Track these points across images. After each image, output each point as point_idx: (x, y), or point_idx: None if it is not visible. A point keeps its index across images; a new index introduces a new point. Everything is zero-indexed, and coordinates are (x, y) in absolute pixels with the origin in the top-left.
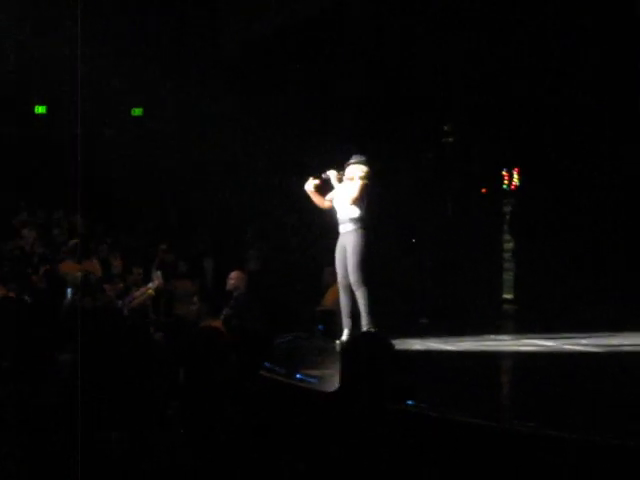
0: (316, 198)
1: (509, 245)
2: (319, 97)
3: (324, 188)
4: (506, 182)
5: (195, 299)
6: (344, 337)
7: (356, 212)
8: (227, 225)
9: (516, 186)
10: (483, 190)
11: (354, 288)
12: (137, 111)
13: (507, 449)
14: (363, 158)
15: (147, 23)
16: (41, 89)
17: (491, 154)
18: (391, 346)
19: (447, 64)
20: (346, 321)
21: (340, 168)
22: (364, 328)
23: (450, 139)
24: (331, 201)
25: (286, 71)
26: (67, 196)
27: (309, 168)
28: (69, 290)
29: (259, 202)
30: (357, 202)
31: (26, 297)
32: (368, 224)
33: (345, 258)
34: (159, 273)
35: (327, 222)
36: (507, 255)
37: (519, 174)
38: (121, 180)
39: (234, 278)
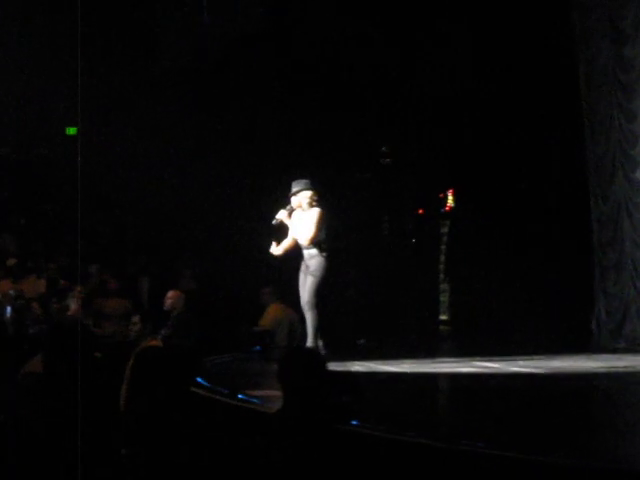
0: (288, 249)
1: (445, 266)
2: (256, 117)
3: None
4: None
5: (136, 319)
6: None
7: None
8: (161, 244)
9: (451, 207)
10: (420, 211)
11: (304, 309)
12: (72, 130)
13: (453, 468)
14: (304, 183)
15: (82, 37)
16: None
17: (428, 175)
18: (324, 361)
19: (386, 84)
20: (310, 342)
21: (285, 203)
22: None
23: (387, 160)
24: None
25: (223, 89)
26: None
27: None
28: (8, 308)
29: (195, 220)
30: (317, 235)
31: None
32: (328, 246)
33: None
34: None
35: (265, 244)
36: (444, 277)
37: (454, 195)
38: (55, 199)
39: (171, 297)
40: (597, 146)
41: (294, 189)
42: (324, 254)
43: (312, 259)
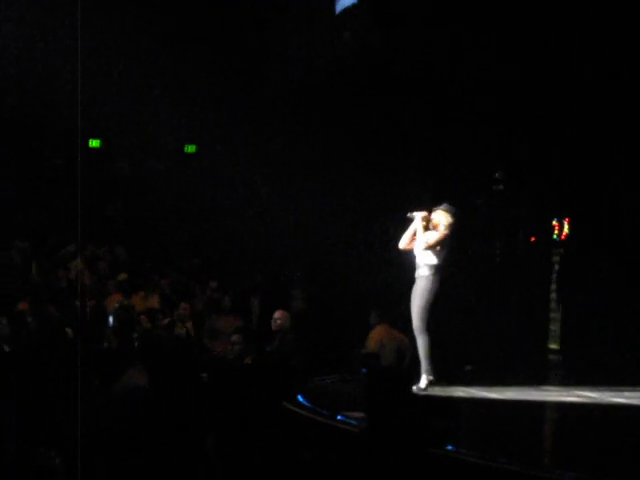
0: (410, 234)
1: (557, 295)
2: (371, 140)
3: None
4: (556, 232)
5: (236, 337)
6: (421, 384)
7: (433, 259)
8: (274, 264)
9: (566, 236)
10: (532, 239)
11: (415, 333)
12: (190, 148)
13: None
14: (453, 209)
15: (200, 59)
16: (96, 123)
17: (541, 203)
18: (408, 383)
19: (501, 111)
20: (424, 367)
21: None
22: (423, 375)
23: (500, 186)
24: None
25: (338, 111)
26: (114, 230)
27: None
28: (110, 318)
29: (307, 241)
30: (431, 249)
31: (68, 329)
32: (443, 272)
33: None
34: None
35: (376, 264)
36: (555, 305)
37: (570, 224)
38: (171, 216)
39: (279, 318)
40: None
41: (442, 207)
42: (434, 277)
43: (421, 280)
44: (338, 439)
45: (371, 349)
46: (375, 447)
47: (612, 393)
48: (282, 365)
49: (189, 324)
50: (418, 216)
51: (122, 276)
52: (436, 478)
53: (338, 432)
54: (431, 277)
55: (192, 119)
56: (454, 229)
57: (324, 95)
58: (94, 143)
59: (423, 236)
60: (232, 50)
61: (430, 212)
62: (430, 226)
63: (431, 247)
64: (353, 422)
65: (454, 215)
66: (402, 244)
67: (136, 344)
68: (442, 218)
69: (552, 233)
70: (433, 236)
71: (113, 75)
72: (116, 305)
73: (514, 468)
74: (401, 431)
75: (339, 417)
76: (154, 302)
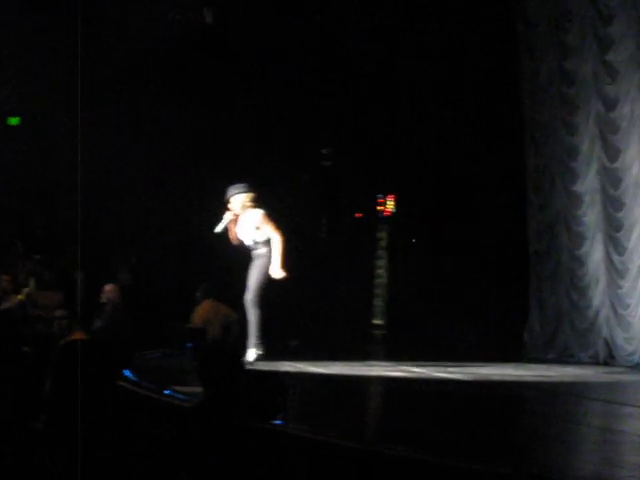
0: (234, 231)
1: (381, 271)
2: (198, 113)
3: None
4: (381, 208)
5: (60, 312)
6: (249, 357)
7: (263, 235)
8: (99, 238)
9: (391, 212)
10: (358, 215)
11: (247, 306)
12: (14, 120)
13: (372, 471)
14: (241, 186)
15: (25, 28)
16: None
17: (367, 180)
18: (241, 361)
19: (330, 89)
20: (253, 340)
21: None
22: (250, 348)
23: (327, 163)
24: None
25: (168, 85)
26: None
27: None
28: None
29: (134, 214)
30: (264, 226)
31: None
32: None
33: None
34: (33, 280)
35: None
36: (379, 281)
37: (394, 201)
38: None
39: (110, 290)
40: (538, 158)
41: (230, 193)
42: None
43: (261, 257)
44: (166, 413)
45: (196, 324)
46: (209, 422)
47: (436, 368)
48: (113, 339)
49: (17, 297)
50: (228, 217)
51: None
52: (264, 453)
53: (166, 406)
54: (269, 254)
55: (15, 90)
56: (255, 202)
57: (152, 67)
58: None
59: (245, 220)
60: (58, 18)
61: (229, 205)
62: (239, 212)
63: (269, 223)
64: (181, 397)
65: (243, 191)
66: (235, 241)
67: None
68: (237, 202)
69: (377, 209)
70: (257, 217)
71: None
72: None
73: (342, 442)
74: (234, 406)
75: (167, 392)
76: None
